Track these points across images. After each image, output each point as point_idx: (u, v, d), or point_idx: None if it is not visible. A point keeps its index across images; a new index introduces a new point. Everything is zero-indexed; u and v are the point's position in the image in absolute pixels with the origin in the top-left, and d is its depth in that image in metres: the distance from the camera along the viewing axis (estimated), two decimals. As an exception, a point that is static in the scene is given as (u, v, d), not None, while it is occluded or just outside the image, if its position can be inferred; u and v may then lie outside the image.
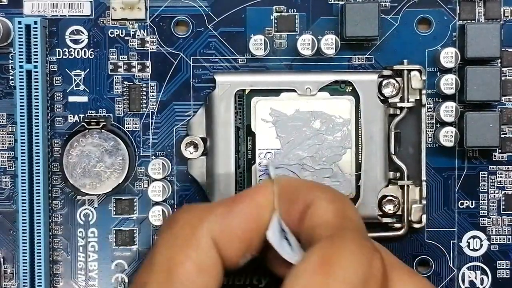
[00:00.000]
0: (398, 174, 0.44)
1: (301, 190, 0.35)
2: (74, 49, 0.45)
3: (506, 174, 0.45)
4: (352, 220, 0.32)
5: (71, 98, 0.45)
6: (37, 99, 0.43)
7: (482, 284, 0.46)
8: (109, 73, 0.45)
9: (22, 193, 0.43)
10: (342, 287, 0.28)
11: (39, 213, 0.43)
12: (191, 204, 0.37)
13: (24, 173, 0.43)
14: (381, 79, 0.44)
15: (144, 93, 0.45)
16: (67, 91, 0.45)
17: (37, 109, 0.43)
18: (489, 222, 0.45)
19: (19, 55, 0.43)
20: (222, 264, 0.34)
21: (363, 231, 0.33)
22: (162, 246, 0.35)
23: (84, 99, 0.45)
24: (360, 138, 0.44)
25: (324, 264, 0.29)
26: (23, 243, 0.43)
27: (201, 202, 0.43)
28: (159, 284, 0.33)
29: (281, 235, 0.35)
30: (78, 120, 0.45)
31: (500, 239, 0.46)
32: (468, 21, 0.45)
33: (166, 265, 0.33)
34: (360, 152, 0.44)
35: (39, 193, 0.43)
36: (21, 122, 0.43)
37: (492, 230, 0.45)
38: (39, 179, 0.43)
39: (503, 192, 0.45)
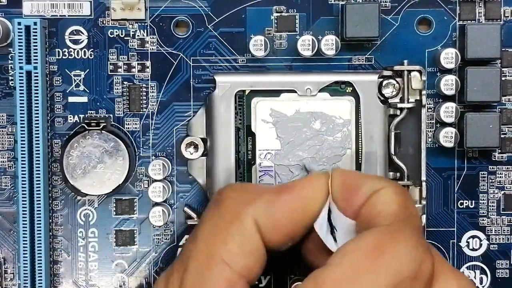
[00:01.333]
0: (398, 174, 0.44)
1: (365, 179, 0.35)
2: (74, 49, 0.45)
3: (506, 174, 0.45)
4: (414, 216, 0.32)
5: (71, 99, 0.45)
6: (37, 99, 0.43)
7: (481, 283, 0.46)
8: (109, 73, 0.45)
9: (23, 193, 0.43)
10: (388, 279, 0.28)
11: (40, 213, 0.43)
12: (240, 183, 0.38)
13: (24, 173, 0.43)
14: (381, 79, 0.44)
15: (144, 93, 0.45)
16: (67, 91, 0.45)
17: (37, 109, 0.43)
18: (488, 222, 0.46)
19: (19, 55, 0.42)
20: (265, 248, 0.35)
21: (420, 230, 0.33)
22: (207, 222, 0.36)
23: (84, 99, 0.45)
24: (360, 139, 0.44)
25: (376, 250, 0.29)
26: (24, 243, 0.43)
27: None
28: (202, 260, 0.33)
29: (328, 227, 0.36)
30: (78, 121, 0.45)
31: (500, 239, 0.46)
32: (468, 22, 0.45)
33: (210, 242, 0.34)
34: (360, 152, 0.44)
35: (39, 193, 0.43)
36: (21, 123, 0.43)
37: (492, 230, 0.46)
38: (39, 180, 0.43)
39: (502, 192, 0.45)
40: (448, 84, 0.44)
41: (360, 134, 0.44)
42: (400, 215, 0.32)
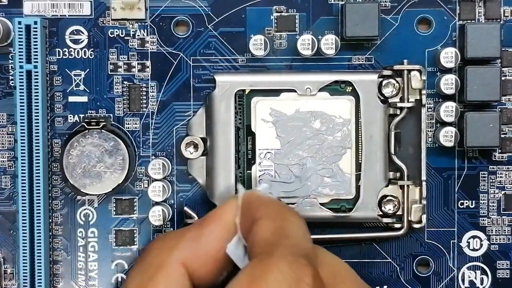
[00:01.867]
0: (398, 174, 0.44)
1: (252, 206, 0.36)
2: (74, 49, 0.45)
3: (506, 174, 0.45)
4: (288, 237, 0.32)
5: (71, 98, 0.45)
6: (37, 99, 0.43)
7: (482, 284, 0.46)
8: (109, 73, 0.45)
9: (22, 193, 0.43)
10: None
11: (39, 213, 0.43)
12: (165, 233, 0.38)
13: (24, 173, 0.43)
14: (381, 79, 0.44)
15: (144, 93, 0.45)
16: (67, 91, 0.45)
17: (37, 109, 0.43)
18: (489, 222, 0.45)
19: (19, 55, 0.43)
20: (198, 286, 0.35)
21: (300, 247, 0.32)
22: (135, 275, 0.36)
23: (84, 99, 0.45)
24: (360, 138, 0.44)
25: (251, 282, 0.29)
26: (23, 243, 0.43)
27: (174, 230, 0.44)
28: None
29: (243, 248, 0.36)
30: (78, 120, 0.45)
31: (500, 239, 0.46)
32: (468, 21, 0.45)
33: None
34: (360, 152, 0.44)
35: (39, 193, 0.43)
36: (21, 122, 0.43)
37: (492, 230, 0.45)
38: (39, 179, 0.43)
39: (503, 192, 0.45)
40: (448, 83, 0.44)
41: (360, 134, 0.44)
42: (270, 241, 0.32)
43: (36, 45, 0.43)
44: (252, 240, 0.33)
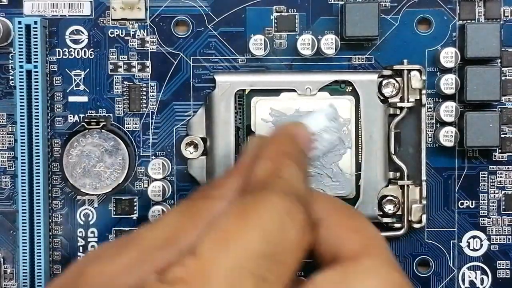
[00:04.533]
0: (398, 174, 0.44)
1: (258, 146, 0.35)
2: (74, 49, 0.45)
3: (506, 174, 0.45)
4: (283, 177, 0.32)
5: (71, 98, 0.45)
6: (37, 99, 0.43)
7: (482, 284, 0.46)
8: (109, 73, 0.45)
9: (22, 193, 0.43)
10: (256, 233, 0.28)
11: (39, 213, 0.43)
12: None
13: (24, 173, 0.43)
14: (381, 79, 0.44)
15: (144, 93, 0.45)
16: (67, 91, 0.45)
17: (37, 109, 0.43)
18: (489, 222, 0.45)
19: (19, 55, 0.43)
20: None
21: (293, 187, 0.31)
22: None
23: (84, 99, 0.45)
24: (360, 138, 0.44)
25: (242, 211, 0.29)
26: (23, 243, 0.43)
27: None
28: None
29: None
30: (78, 120, 0.45)
31: (500, 239, 0.46)
32: (468, 21, 0.45)
33: None
34: (360, 152, 0.44)
35: (39, 193, 0.43)
36: (21, 122, 0.43)
37: (492, 230, 0.45)
38: (39, 179, 0.43)
39: (503, 192, 0.45)
40: (448, 83, 0.44)
41: (360, 134, 0.44)
42: (265, 179, 0.32)
43: (36, 45, 0.43)
44: (249, 178, 0.32)
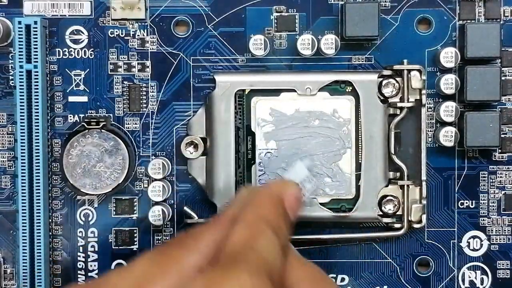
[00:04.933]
0: (398, 174, 0.44)
1: (241, 202, 0.34)
2: (74, 49, 0.45)
3: (506, 174, 0.45)
4: (258, 251, 0.31)
5: (71, 98, 0.45)
6: (37, 99, 0.43)
7: (482, 284, 0.46)
8: (109, 73, 0.45)
9: (22, 193, 0.43)
10: None
11: (39, 213, 0.43)
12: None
13: (24, 173, 0.43)
14: (381, 79, 0.44)
15: (144, 93, 0.45)
16: (67, 91, 0.45)
17: (37, 109, 0.43)
18: (489, 222, 0.45)
19: (19, 55, 0.43)
20: None
21: (266, 264, 0.30)
22: None
23: (84, 99, 0.45)
24: (360, 138, 0.44)
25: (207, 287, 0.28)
26: (23, 243, 0.43)
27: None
28: None
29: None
30: (78, 120, 0.45)
31: (500, 239, 0.45)
32: (468, 21, 0.45)
33: None
34: (360, 152, 0.44)
35: (39, 193, 0.43)
36: (21, 122, 0.43)
37: (492, 230, 0.45)
38: (39, 179, 0.43)
39: (503, 192, 0.45)
40: (448, 83, 0.44)
41: (360, 134, 0.44)
42: (238, 250, 0.31)
43: (36, 45, 0.43)
44: (224, 242, 0.31)
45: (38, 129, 0.43)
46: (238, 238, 0.31)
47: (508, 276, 0.46)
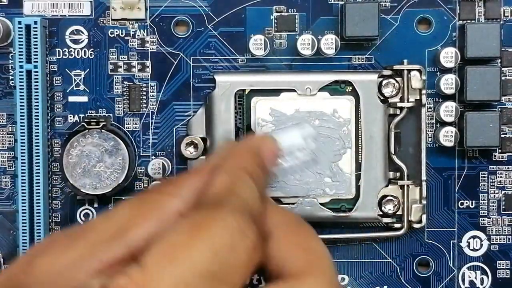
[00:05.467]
0: (398, 174, 0.44)
1: (222, 153, 0.35)
2: (74, 49, 0.45)
3: (506, 174, 0.45)
4: (238, 195, 0.31)
5: (71, 98, 0.45)
6: (37, 99, 0.43)
7: (482, 284, 0.46)
8: (109, 73, 0.45)
9: (22, 193, 0.43)
10: (204, 250, 0.28)
11: (39, 213, 0.43)
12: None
13: (24, 173, 0.43)
14: (381, 79, 0.44)
15: (144, 93, 0.45)
16: (67, 91, 0.45)
17: (37, 109, 0.43)
18: (489, 222, 0.45)
19: (19, 55, 0.43)
20: None
21: (247, 206, 0.31)
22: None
23: (84, 99, 0.45)
24: (360, 138, 0.44)
25: (191, 229, 0.29)
26: (23, 243, 0.43)
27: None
28: None
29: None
30: (78, 120, 0.45)
31: (500, 239, 0.45)
32: (468, 21, 0.45)
33: None
34: (360, 152, 0.44)
35: (39, 193, 0.43)
36: (21, 122, 0.43)
37: (492, 230, 0.45)
38: (39, 179, 0.43)
39: (503, 192, 0.45)
40: (448, 83, 0.44)
41: (360, 134, 0.44)
42: (221, 196, 0.31)
43: (36, 45, 0.43)
44: (206, 189, 0.32)
45: (38, 129, 0.43)
46: (219, 184, 0.32)
47: (508, 276, 0.46)
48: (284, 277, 0.31)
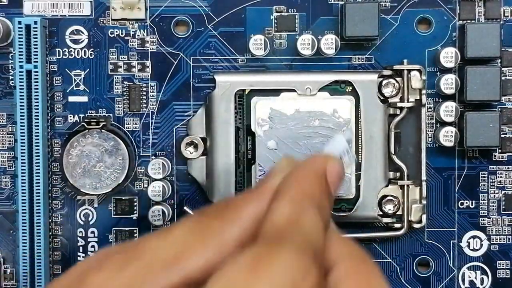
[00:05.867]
0: (398, 174, 0.44)
1: (284, 173, 0.33)
2: (74, 49, 0.45)
3: (506, 174, 0.45)
4: (303, 229, 0.30)
5: (71, 98, 0.45)
6: (37, 99, 0.43)
7: (482, 284, 0.46)
8: (109, 73, 0.45)
9: (22, 193, 0.43)
10: (265, 287, 0.26)
11: (39, 213, 0.43)
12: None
13: (24, 173, 0.43)
14: (381, 79, 0.44)
15: (144, 93, 0.45)
16: (67, 91, 0.45)
17: (37, 109, 0.43)
18: (489, 222, 0.45)
19: (19, 55, 0.43)
20: None
21: (311, 243, 0.30)
22: None
23: (84, 99, 0.45)
24: (360, 138, 0.44)
25: (252, 265, 0.27)
26: (23, 243, 0.43)
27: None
28: None
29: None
30: (78, 120, 0.45)
31: (500, 239, 0.46)
32: (468, 21, 0.45)
33: None
34: (360, 152, 0.44)
35: (39, 193, 0.43)
36: (21, 122, 0.43)
37: (492, 230, 0.45)
38: (39, 179, 0.43)
39: (503, 192, 0.45)
40: (448, 83, 0.44)
41: (360, 134, 0.44)
42: (283, 229, 0.29)
43: (36, 45, 0.43)
44: (267, 219, 0.30)
45: (38, 129, 0.43)
46: (281, 215, 0.30)
47: (508, 276, 0.46)
48: None
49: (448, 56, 0.43)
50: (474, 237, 0.45)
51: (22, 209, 0.43)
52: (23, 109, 0.43)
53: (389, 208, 0.44)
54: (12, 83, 0.45)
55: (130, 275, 0.28)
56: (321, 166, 0.34)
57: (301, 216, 0.30)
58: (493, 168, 0.45)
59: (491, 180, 0.45)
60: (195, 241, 0.29)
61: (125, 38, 0.45)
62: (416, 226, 0.44)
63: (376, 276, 0.31)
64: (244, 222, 0.30)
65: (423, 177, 0.44)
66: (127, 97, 0.45)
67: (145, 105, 0.45)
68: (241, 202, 0.31)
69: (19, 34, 0.42)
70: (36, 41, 0.43)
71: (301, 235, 0.29)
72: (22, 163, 0.43)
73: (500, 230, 0.45)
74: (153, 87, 0.45)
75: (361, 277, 0.30)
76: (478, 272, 0.46)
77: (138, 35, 0.45)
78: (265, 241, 0.29)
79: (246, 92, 0.44)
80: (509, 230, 0.45)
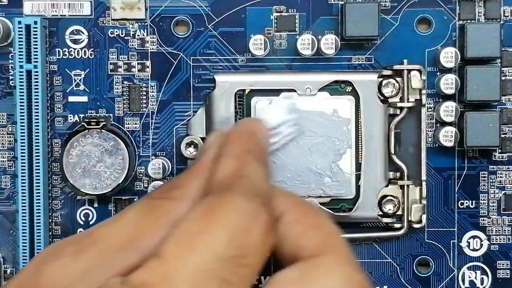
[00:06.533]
0: (398, 174, 0.44)
1: (221, 143, 0.34)
2: (74, 49, 0.45)
3: (506, 174, 0.45)
4: (248, 178, 0.31)
5: (71, 98, 0.45)
6: (37, 99, 0.43)
7: (482, 284, 0.46)
8: (109, 73, 0.45)
9: (22, 193, 0.43)
10: (221, 234, 0.28)
11: (39, 213, 0.43)
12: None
13: (24, 173, 0.43)
14: (381, 79, 0.44)
15: (144, 93, 0.45)
16: (67, 91, 0.45)
17: (37, 109, 0.43)
18: (489, 222, 0.45)
19: (19, 55, 0.43)
20: None
21: (256, 187, 0.31)
22: None
23: (84, 99, 0.45)
24: (360, 138, 0.44)
25: (207, 212, 0.29)
26: (23, 243, 0.43)
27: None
28: None
29: None
30: (78, 120, 0.45)
31: (500, 239, 0.46)
32: (468, 21, 0.45)
33: None
34: (360, 152, 0.44)
35: (39, 193, 0.43)
36: (21, 122, 0.43)
37: (492, 230, 0.45)
38: (39, 179, 0.43)
39: (503, 192, 0.45)
40: (448, 83, 0.44)
41: (360, 134, 0.44)
42: (229, 178, 0.31)
43: (36, 45, 0.43)
44: (213, 177, 0.32)
45: (38, 129, 0.43)
46: (226, 169, 0.32)
47: (508, 276, 0.46)
48: (301, 258, 0.31)
49: (448, 56, 0.43)
50: (474, 237, 0.45)
51: (22, 209, 0.43)
52: (23, 109, 0.43)
53: (389, 208, 0.44)
54: (12, 83, 0.45)
55: (86, 261, 0.29)
56: (250, 127, 0.36)
57: (243, 166, 0.32)
58: (493, 168, 0.45)
59: (491, 180, 0.45)
60: (147, 221, 0.30)
61: (125, 38, 0.45)
62: (416, 226, 0.44)
63: (322, 216, 0.33)
64: (190, 195, 0.31)
65: (423, 177, 0.44)
66: (127, 97, 0.45)
67: (145, 105, 0.45)
68: (184, 180, 0.32)
69: (19, 34, 0.42)
70: (36, 41, 0.43)
71: (246, 182, 0.31)
72: (22, 163, 0.43)
73: (500, 230, 0.45)
74: (153, 87, 0.45)
75: (310, 219, 0.32)
76: (478, 272, 0.46)
77: (138, 35, 0.45)
78: (214, 192, 0.30)
79: (246, 92, 0.44)
80: (509, 230, 0.45)
